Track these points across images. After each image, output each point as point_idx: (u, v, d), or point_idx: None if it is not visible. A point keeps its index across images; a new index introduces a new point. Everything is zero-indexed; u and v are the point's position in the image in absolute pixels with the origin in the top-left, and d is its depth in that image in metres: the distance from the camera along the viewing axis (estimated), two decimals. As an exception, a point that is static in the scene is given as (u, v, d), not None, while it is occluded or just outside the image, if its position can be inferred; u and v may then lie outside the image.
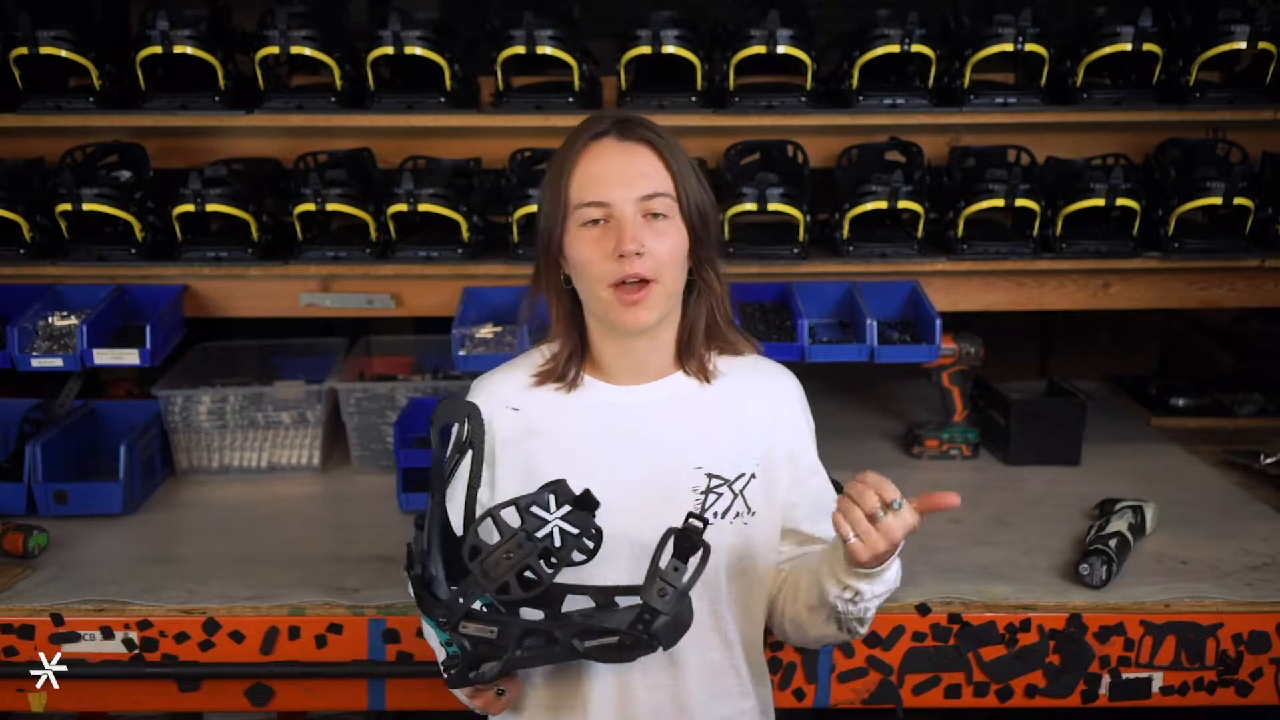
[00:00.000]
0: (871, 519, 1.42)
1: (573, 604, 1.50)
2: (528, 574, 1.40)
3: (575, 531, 1.39)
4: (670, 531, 1.44)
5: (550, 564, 1.40)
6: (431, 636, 1.67)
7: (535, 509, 1.39)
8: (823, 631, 1.60)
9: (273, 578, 2.12)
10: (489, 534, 1.43)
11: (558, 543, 1.39)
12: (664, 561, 1.42)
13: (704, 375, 1.63)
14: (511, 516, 1.42)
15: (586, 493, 1.41)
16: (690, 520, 1.44)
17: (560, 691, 1.60)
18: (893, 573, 1.52)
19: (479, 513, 1.48)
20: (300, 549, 2.27)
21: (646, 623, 1.42)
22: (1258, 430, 2.89)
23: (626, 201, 1.53)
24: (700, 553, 1.43)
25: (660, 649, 1.45)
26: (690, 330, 1.63)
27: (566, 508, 1.40)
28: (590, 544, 1.44)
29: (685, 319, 1.63)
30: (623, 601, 1.48)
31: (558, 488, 1.41)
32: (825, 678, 2.01)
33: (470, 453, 1.49)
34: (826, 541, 1.62)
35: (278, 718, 2.56)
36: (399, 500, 2.45)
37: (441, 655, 1.58)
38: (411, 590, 1.47)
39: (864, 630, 1.59)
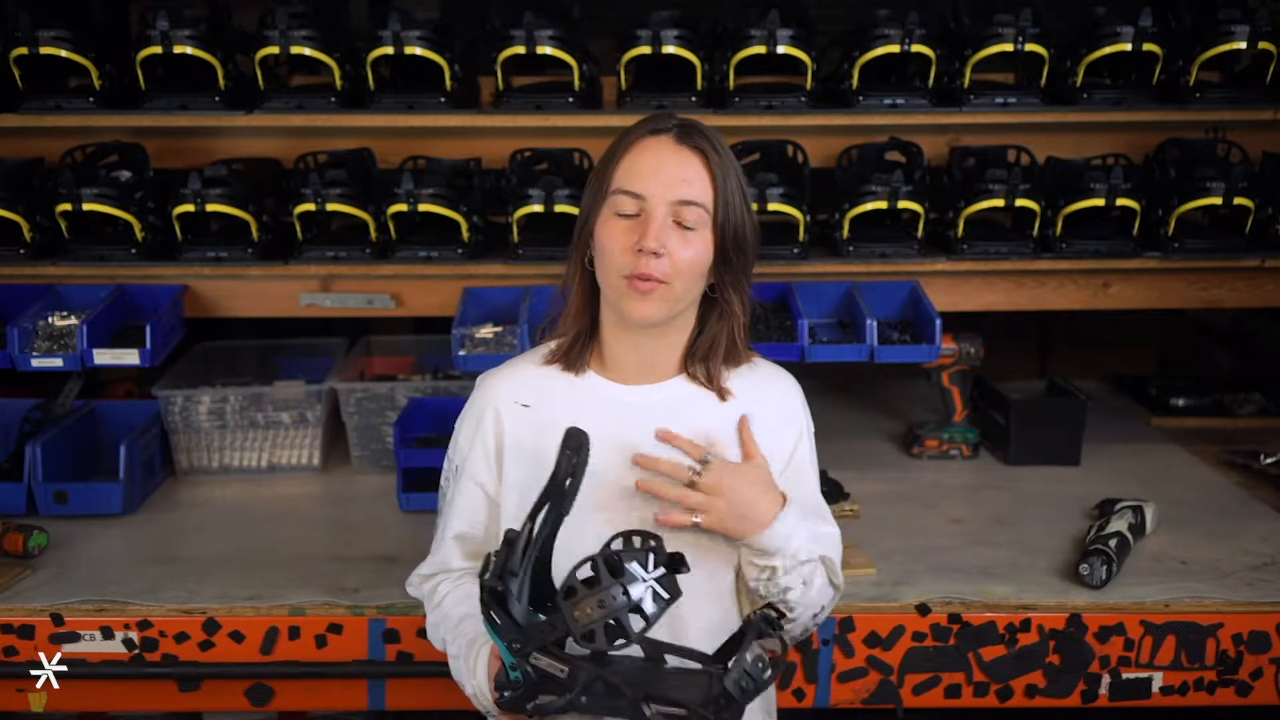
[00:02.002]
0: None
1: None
2: (612, 624, 1.35)
3: (666, 597, 1.37)
4: (750, 619, 1.44)
5: (636, 621, 1.36)
6: (437, 639, 1.65)
7: (634, 565, 1.36)
8: None
9: (273, 578, 2.13)
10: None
11: (649, 606, 1.35)
12: (750, 654, 1.40)
13: (718, 392, 1.64)
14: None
15: (678, 555, 1.40)
16: (767, 609, 1.47)
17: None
18: (796, 543, 1.53)
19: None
20: (300, 549, 2.27)
21: (721, 707, 1.40)
22: (1258, 430, 2.89)
23: (661, 200, 1.53)
24: (781, 647, 1.44)
25: None
26: (710, 345, 1.63)
27: (660, 570, 1.37)
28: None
29: (705, 333, 1.64)
30: (671, 661, 1.45)
31: (656, 547, 1.39)
32: (825, 678, 2.01)
33: (570, 481, 1.46)
34: None
35: (278, 718, 2.56)
36: (399, 500, 2.45)
37: (458, 663, 1.56)
38: (479, 600, 1.41)
39: (792, 616, 1.56)
